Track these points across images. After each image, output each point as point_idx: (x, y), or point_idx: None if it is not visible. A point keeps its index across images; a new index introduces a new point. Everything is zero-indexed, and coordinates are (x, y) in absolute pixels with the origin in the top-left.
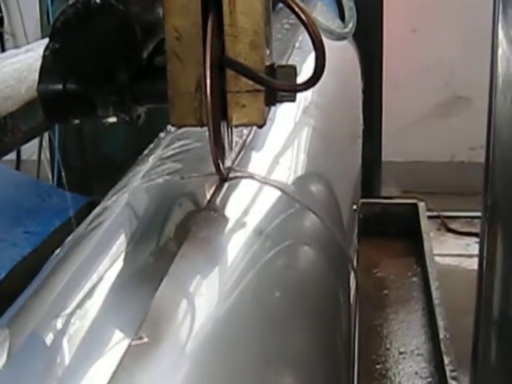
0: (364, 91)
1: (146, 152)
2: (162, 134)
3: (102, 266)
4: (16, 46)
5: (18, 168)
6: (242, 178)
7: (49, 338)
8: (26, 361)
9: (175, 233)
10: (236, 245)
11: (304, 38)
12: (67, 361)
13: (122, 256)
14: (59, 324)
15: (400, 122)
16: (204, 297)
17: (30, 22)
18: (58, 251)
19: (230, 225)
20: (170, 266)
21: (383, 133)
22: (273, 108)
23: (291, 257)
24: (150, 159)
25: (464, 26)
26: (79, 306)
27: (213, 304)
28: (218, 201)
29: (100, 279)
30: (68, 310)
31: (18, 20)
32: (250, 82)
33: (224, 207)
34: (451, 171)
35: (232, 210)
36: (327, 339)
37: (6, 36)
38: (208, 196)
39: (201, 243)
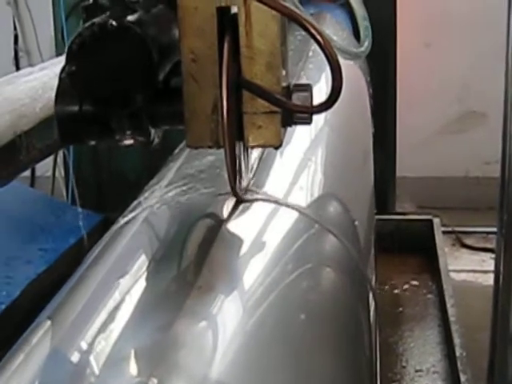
0: (378, 106)
1: (162, 169)
2: (176, 151)
3: (121, 289)
4: (30, 64)
5: (32, 184)
6: (258, 199)
7: (69, 362)
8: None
9: (193, 257)
10: (256, 268)
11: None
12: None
13: (141, 280)
14: (77, 348)
15: (414, 137)
16: (226, 322)
17: (45, 40)
18: (77, 269)
19: (247, 248)
20: (191, 292)
21: (398, 148)
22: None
23: (313, 279)
24: (166, 177)
25: (478, 40)
26: (98, 330)
27: (236, 330)
28: (234, 223)
29: (118, 303)
30: (85, 336)
31: (32, 37)
32: (267, 104)
33: (241, 229)
34: (466, 186)
35: (248, 232)
36: (352, 362)
37: (21, 53)
38: (224, 218)
39: (219, 268)
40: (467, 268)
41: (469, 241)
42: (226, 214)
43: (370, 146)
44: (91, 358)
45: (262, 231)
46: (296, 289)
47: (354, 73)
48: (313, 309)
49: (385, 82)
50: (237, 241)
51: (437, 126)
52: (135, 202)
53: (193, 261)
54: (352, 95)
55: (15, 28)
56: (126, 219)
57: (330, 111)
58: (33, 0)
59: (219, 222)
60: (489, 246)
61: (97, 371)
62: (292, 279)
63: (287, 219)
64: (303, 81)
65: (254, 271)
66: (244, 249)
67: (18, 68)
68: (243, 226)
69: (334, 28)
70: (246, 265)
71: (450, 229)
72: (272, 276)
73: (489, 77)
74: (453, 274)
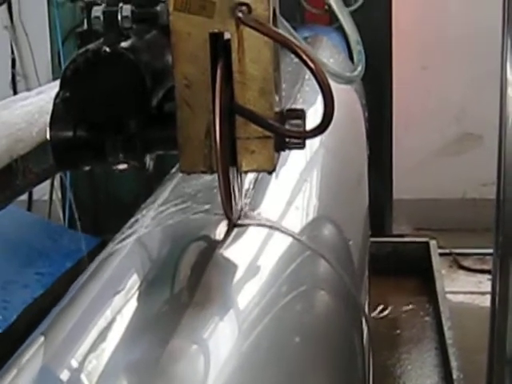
0: (374, 129)
1: (156, 191)
2: (174, 170)
3: (114, 308)
4: (28, 88)
5: (29, 208)
6: (252, 224)
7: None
8: None
9: (187, 281)
10: (248, 293)
11: None
12: None
13: (134, 300)
14: (71, 362)
15: (411, 159)
16: (220, 344)
17: (42, 64)
18: (70, 289)
19: (240, 273)
20: (183, 316)
21: (395, 170)
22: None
23: (304, 304)
24: (163, 196)
25: (474, 62)
26: (93, 346)
27: (231, 351)
28: (228, 247)
29: (110, 325)
30: (77, 355)
31: (29, 61)
32: (260, 129)
33: (233, 254)
34: (463, 208)
35: (241, 257)
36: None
37: (18, 77)
38: (218, 242)
39: (213, 291)
40: (464, 290)
41: (466, 262)
42: (219, 238)
43: (365, 169)
44: (86, 371)
45: (254, 256)
46: (288, 313)
47: (349, 96)
48: (306, 332)
49: (381, 104)
50: (229, 265)
51: (433, 148)
52: (132, 220)
53: (186, 284)
54: (347, 118)
55: (12, 52)
56: (121, 238)
57: (325, 134)
58: (30, 24)
59: (213, 247)
60: (486, 267)
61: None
62: (284, 304)
63: (280, 245)
64: (300, 103)
65: (246, 296)
66: (236, 273)
67: (15, 92)
68: (236, 250)
69: (330, 51)
70: (239, 289)
71: (447, 251)
72: (264, 300)
73: (485, 99)
74: (450, 296)
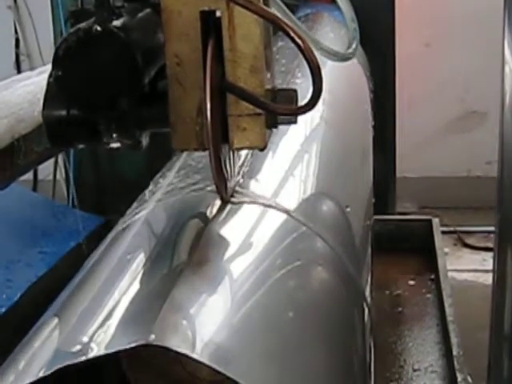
0: (378, 107)
1: (160, 173)
2: (175, 153)
3: (123, 280)
4: (32, 67)
5: (34, 188)
6: (245, 201)
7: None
8: None
9: (182, 256)
10: (238, 268)
11: None
12: None
13: (137, 275)
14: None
15: (416, 137)
16: (212, 314)
17: (45, 43)
18: (83, 265)
19: (229, 248)
20: (173, 289)
21: (398, 148)
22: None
23: (297, 281)
24: (164, 180)
25: (479, 39)
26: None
27: (222, 321)
28: (220, 224)
29: (116, 297)
30: (90, 311)
31: (33, 41)
32: (251, 106)
33: (225, 230)
34: (467, 186)
35: (232, 234)
36: (343, 361)
37: (22, 57)
38: (211, 218)
39: (204, 265)
40: (469, 267)
41: (470, 240)
42: (212, 215)
43: (370, 142)
44: (97, 323)
45: (246, 233)
46: (280, 288)
47: (353, 69)
48: (299, 308)
49: (384, 82)
50: (219, 242)
51: (437, 126)
52: (140, 196)
53: (182, 259)
54: (351, 93)
55: (16, 32)
56: (131, 213)
57: (327, 107)
58: (33, 3)
59: (204, 224)
60: (490, 245)
61: (106, 332)
62: (276, 279)
63: (273, 222)
64: (299, 77)
65: (236, 271)
66: (225, 250)
67: (19, 71)
68: (228, 227)
69: (331, 26)
70: (229, 265)
71: (451, 228)
72: (256, 274)
73: (490, 76)
74: (454, 274)
